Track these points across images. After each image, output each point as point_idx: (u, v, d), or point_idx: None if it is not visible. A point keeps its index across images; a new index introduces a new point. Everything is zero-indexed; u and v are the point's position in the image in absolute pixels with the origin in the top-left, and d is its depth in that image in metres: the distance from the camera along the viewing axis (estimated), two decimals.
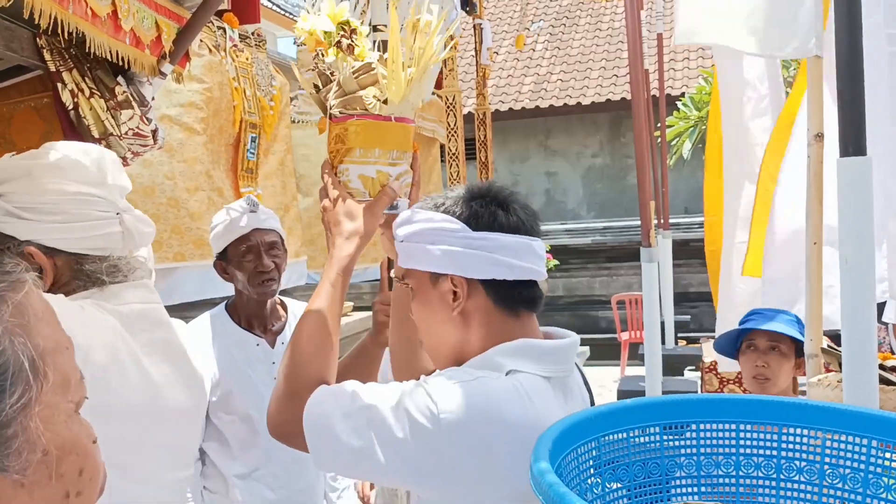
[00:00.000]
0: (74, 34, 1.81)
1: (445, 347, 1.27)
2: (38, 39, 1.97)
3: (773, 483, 1.09)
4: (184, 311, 2.60)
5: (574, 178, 14.20)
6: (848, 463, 1.05)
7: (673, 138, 10.81)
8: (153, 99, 2.24)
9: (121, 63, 2.02)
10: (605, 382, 8.26)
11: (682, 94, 11.73)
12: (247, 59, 3.48)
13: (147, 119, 2.15)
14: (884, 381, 1.89)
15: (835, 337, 2.29)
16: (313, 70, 1.45)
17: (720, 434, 1.11)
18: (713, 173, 4.57)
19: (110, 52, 1.93)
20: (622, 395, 5.59)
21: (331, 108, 1.41)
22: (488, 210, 1.25)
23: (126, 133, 2.05)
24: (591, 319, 10.92)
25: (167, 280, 2.98)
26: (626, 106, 4.25)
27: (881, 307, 2.47)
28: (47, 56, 1.97)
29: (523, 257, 1.23)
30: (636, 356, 7.45)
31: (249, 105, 3.45)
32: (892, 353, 3.39)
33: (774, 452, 1.09)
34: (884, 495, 1.03)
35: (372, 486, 2.63)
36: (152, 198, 2.96)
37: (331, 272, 1.34)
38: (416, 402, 1.12)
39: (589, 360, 8.97)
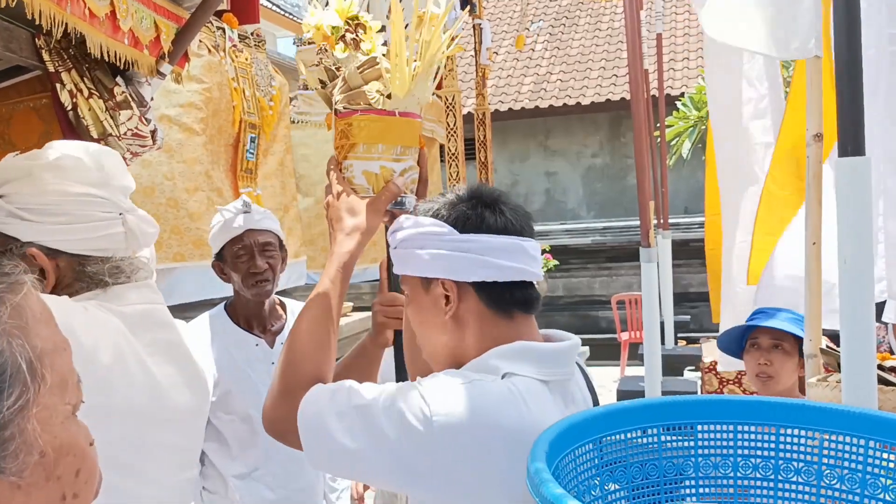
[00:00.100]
0: (73, 35, 1.81)
1: (442, 352, 1.26)
2: (36, 40, 1.97)
3: (771, 484, 1.09)
4: (183, 311, 2.60)
5: (574, 178, 14.20)
6: (845, 463, 1.05)
7: (673, 138, 10.80)
8: (152, 99, 2.24)
9: (119, 63, 2.02)
10: (605, 382, 8.26)
11: (682, 94, 11.73)
12: (246, 59, 3.48)
13: (146, 119, 2.15)
14: (882, 381, 1.89)
15: (834, 337, 2.29)
16: (317, 66, 1.45)
17: (718, 435, 1.11)
18: (714, 173, 4.56)
19: (109, 52, 1.93)
20: (622, 395, 5.59)
21: (336, 104, 1.41)
22: (475, 212, 1.23)
23: (125, 133, 2.05)
24: (591, 319, 10.92)
25: (166, 280, 2.98)
26: (626, 106, 4.25)
27: (880, 306, 2.46)
28: (46, 56, 1.97)
29: (513, 258, 1.21)
30: (636, 356, 7.45)
31: (249, 105, 3.45)
32: (892, 352, 3.39)
33: (772, 453, 1.09)
34: (881, 495, 1.03)
35: (366, 487, 2.63)
36: (151, 198, 2.96)
37: (331, 268, 1.33)
38: (410, 403, 1.12)
39: (589, 360, 8.96)
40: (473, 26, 6.36)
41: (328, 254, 1.37)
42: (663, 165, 7.28)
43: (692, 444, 1.11)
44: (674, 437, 1.11)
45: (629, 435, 1.08)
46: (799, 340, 2.46)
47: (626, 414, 1.09)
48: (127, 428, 1.26)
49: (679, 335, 7.72)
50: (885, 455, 1.03)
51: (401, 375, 1.60)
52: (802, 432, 1.08)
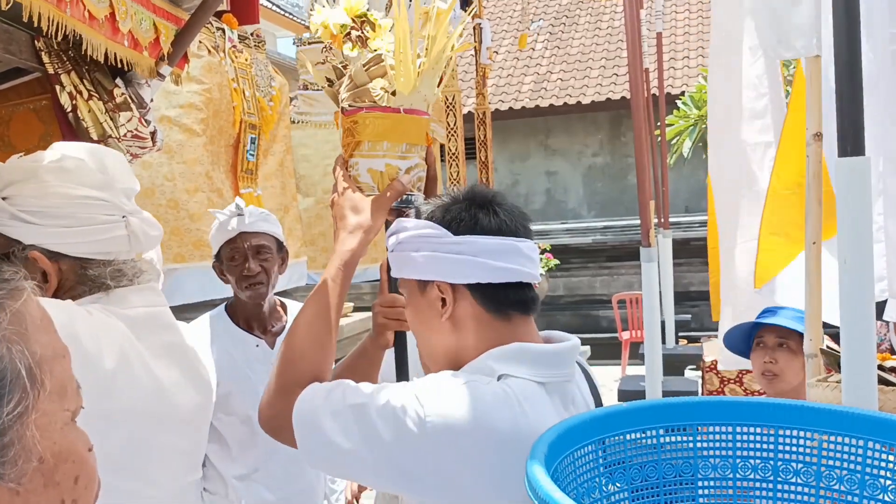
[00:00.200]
0: (72, 37, 1.82)
1: (441, 354, 1.26)
2: (36, 42, 1.97)
3: (771, 485, 1.09)
4: (184, 312, 2.60)
5: (574, 177, 14.20)
6: (845, 464, 1.05)
7: (673, 137, 10.80)
8: (152, 101, 2.24)
9: (119, 65, 2.03)
10: (606, 382, 8.26)
11: (682, 93, 11.72)
12: (246, 59, 3.48)
13: (146, 121, 2.15)
14: (883, 381, 1.89)
15: (836, 336, 2.28)
16: (323, 64, 1.44)
17: (718, 436, 1.11)
18: None
19: (108, 54, 1.93)
20: (622, 395, 5.58)
21: (342, 102, 1.40)
22: (469, 213, 1.23)
23: (125, 135, 2.05)
24: (592, 319, 10.92)
25: (167, 281, 2.98)
26: (627, 105, 4.25)
27: (881, 305, 2.46)
28: (46, 59, 1.97)
29: (508, 259, 1.21)
30: (637, 355, 7.45)
31: (248, 106, 3.45)
32: (893, 350, 3.39)
33: (771, 454, 1.09)
34: (881, 496, 1.03)
35: (361, 489, 2.63)
36: (152, 199, 2.96)
37: (332, 266, 1.32)
38: (404, 404, 1.11)
39: (590, 360, 8.95)
40: (473, 26, 6.35)
41: (329, 256, 1.36)
42: (664, 164, 7.28)
43: (692, 445, 1.11)
44: (673, 439, 1.11)
45: (628, 437, 1.08)
46: None
47: (625, 416, 1.09)
48: (132, 431, 1.26)
49: (680, 334, 7.72)
50: (884, 455, 1.03)
51: (401, 377, 1.60)
52: (801, 433, 1.08)
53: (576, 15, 15.79)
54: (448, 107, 6.00)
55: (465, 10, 5.79)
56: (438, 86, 1.43)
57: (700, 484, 1.11)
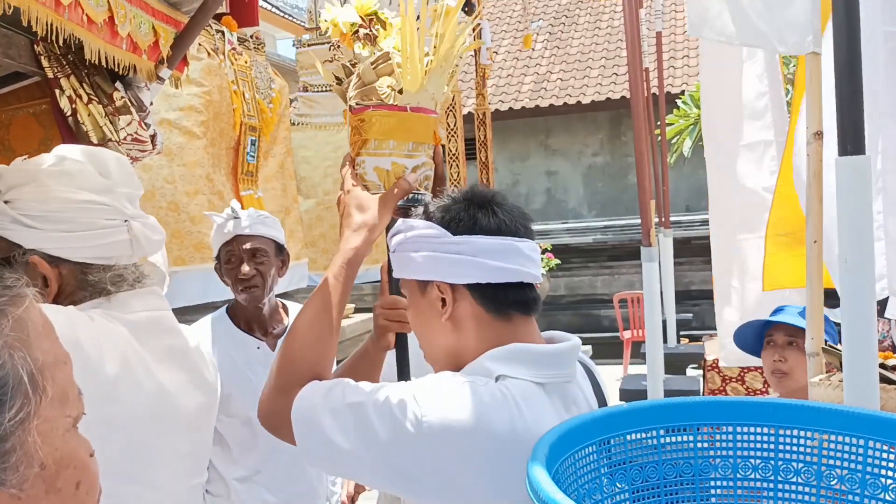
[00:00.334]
0: (72, 41, 1.82)
1: (442, 355, 1.26)
2: (35, 46, 1.97)
3: (772, 485, 1.09)
4: (186, 314, 2.60)
5: (575, 177, 14.20)
6: (845, 464, 1.05)
7: (673, 136, 10.80)
8: (151, 104, 2.24)
9: (118, 69, 2.03)
10: (608, 381, 8.17)
11: (682, 92, 11.72)
12: (245, 62, 3.48)
13: (145, 124, 2.16)
14: (885, 380, 1.88)
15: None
16: (331, 61, 1.44)
17: (718, 436, 1.11)
18: None
19: (107, 58, 1.93)
20: (624, 394, 5.58)
21: (350, 100, 1.40)
22: (468, 213, 1.23)
23: (125, 138, 2.05)
24: (594, 318, 10.92)
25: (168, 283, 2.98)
26: (627, 104, 4.24)
27: (882, 302, 2.45)
28: (45, 63, 1.98)
29: (507, 259, 1.20)
30: (639, 354, 7.44)
31: (248, 108, 3.45)
32: (894, 347, 3.39)
33: (772, 454, 1.09)
34: (881, 496, 1.03)
35: (358, 492, 2.62)
36: (152, 202, 2.96)
37: (336, 264, 1.32)
38: (403, 404, 1.12)
39: (591, 359, 8.94)
40: (473, 27, 6.35)
41: (330, 258, 1.36)
42: (664, 164, 7.28)
43: (692, 445, 1.11)
44: (674, 439, 1.11)
45: (629, 437, 1.08)
46: None
47: (625, 416, 1.09)
48: (135, 436, 1.26)
49: (681, 333, 7.72)
50: (885, 455, 1.03)
51: (402, 379, 1.60)
52: (802, 433, 1.08)
53: (575, 14, 15.79)
54: (448, 107, 6.00)
55: (469, 16, 5.79)
56: (448, 84, 1.42)
57: (701, 484, 1.11)
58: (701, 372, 5.82)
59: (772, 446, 1.09)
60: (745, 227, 3.69)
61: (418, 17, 1.35)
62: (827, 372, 2.27)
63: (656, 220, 5.79)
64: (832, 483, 1.06)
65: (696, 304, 9.90)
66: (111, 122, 2.04)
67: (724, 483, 1.11)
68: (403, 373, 1.60)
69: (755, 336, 2.60)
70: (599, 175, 14.07)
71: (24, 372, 0.61)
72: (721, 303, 3.94)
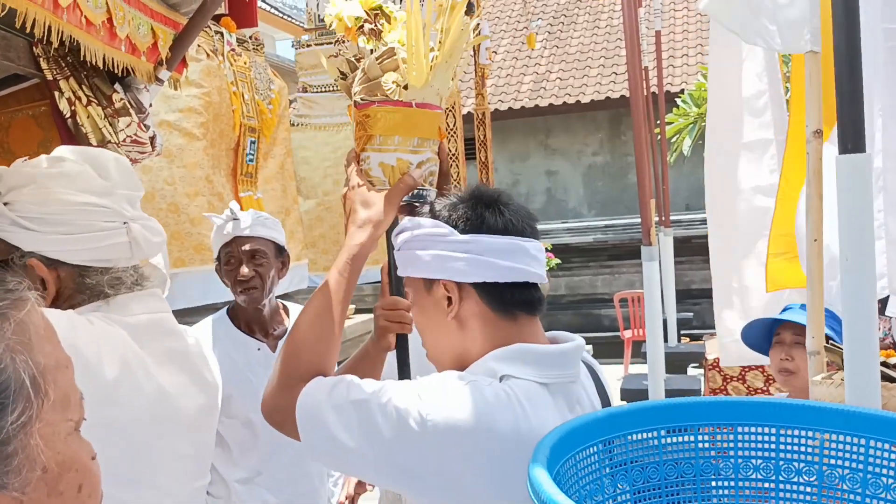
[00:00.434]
0: (70, 43, 1.81)
1: (447, 354, 1.26)
2: (34, 48, 1.97)
3: (773, 485, 1.09)
4: (186, 316, 2.60)
5: (575, 176, 14.20)
6: (847, 463, 1.05)
7: (673, 135, 10.80)
8: (151, 105, 2.24)
9: (117, 70, 2.02)
10: (609, 381, 8.24)
11: (682, 91, 11.72)
12: (245, 63, 3.48)
13: (145, 126, 2.15)
14: (886, 378, 1.88)
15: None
16: (336, 56, 1.44)
17: (719, 436, 1.11)
18: None
19: (106, 59, 1.93)
20: (625, 393, 5.59)
21: (355, 95, 1.40)
22: (475, 212, 1.23)
23: (124, 140, 2.05)
24: (594, 318, 10.91)
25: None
26: (626, 103, 4.24)
27: (883, 300, 2.45)
28: (44, 65, 1.97)
29: (514, 258, 1.21)
30: (639, 354, 7.45)
31: (248, 109, 3.45)
32: (895, 345, 3.39)
33: (773, 454, 1.09)
34: (883, 495, 1.03)
35: (358, 492, 2.62)
36: (152, 203, 2.97)
37: (340, 260, 1.31)
38: (407, 402, 1.12)
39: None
40: (472, 26, 6.35)
41: (330, 259, 1.36)
42: (664, 163, 7.29)
43: (693, 445, 1.11)
44: (675, 439, 1.11)
45: (630, 438, 1.08)
46: (827, 336, 2.43)
47: (626, 417, 1.09)
48: (136, 438, 1.26)
49: (682, 332, 7.73)
50: (887, 454, 1.03)
51: (403, 380, 1.60)
52: (803, 432, 1.08)
53: (574, 14, 15.79)
54: (448, 107, 6.00)
55: (469, 17, 5.80)
56: (453, 79, 1.42)
57: (702, 484, 1.11)
58: (702, 371, 5.83)
59: (773, 446, 1.09)
60: (746, 227, 3.69)
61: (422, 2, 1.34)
62: (829, 370, 2.27)
63: (656, 219, 5.80)
64: (834, 483, 1.06)
65: (696, 302, 9.90)
66: (110, 124, 2.04)
67: (726, 483, 1.11)
68: (404, 374, 1.59)
69: (764, 334, 2.60)
70: (599, 174, 14.07)
71: (25, 376, 0.61)
72: (720, 303, 3.94)
